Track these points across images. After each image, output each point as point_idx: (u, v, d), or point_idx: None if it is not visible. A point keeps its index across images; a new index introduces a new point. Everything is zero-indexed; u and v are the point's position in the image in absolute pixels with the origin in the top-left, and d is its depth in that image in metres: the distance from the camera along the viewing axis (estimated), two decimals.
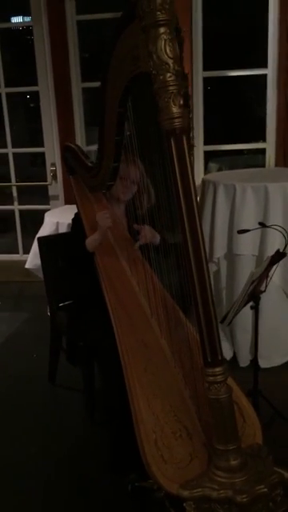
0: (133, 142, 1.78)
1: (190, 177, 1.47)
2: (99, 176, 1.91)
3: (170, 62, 1.40)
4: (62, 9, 3.81)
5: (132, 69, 1.56)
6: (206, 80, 3.81)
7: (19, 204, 4.57)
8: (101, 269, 2.02)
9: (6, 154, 4.44)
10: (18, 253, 4.69)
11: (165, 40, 1.40)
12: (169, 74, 1.41)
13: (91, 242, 2.07)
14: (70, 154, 2.17)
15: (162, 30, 1.39)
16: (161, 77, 1.41)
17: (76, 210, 2.26)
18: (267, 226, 2.05)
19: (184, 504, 1.53)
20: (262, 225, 2.06)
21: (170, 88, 1.41)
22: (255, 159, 4.59)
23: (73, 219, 2.24)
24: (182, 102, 1.46)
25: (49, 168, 4.30)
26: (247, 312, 2.26)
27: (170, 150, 1.46)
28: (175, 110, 1.43)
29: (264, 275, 1.92)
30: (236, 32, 4.29)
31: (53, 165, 4.26)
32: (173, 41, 1.42)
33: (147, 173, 2.11)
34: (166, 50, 1.40)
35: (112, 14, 4.01)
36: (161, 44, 1.40)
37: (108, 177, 1.87)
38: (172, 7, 1.42)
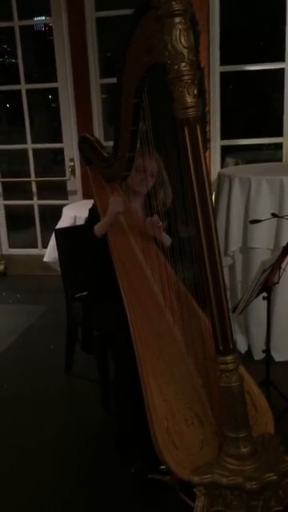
0: (148, 133, 1.80)
1: (204, 166, 1.49)
2: (115, 166, 1.94)
3: (185, 51, 1.42)
4: (81, 5, 3.85)
5: (147, 59, 1.58)
6: (222, 74, 3.81)
7: (38, 199, 4.63)
8: (115, 259, 2.04)
9: (26, 150, 4.51)
10: (37, 247, 4.75)
11: (180, 30, 1.41)
12: (183, 64, 1.42)
13: (100, 225, 2.11)
14: (86, 145, 2.20)
15: (177, 19, 1.41)
16: (175, 66, 1.43)
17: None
18: (280, 217, 2.04)
19: (194, 489, 1.55)
20: (275, 215, 2.06)
21: (185, 78, 1.43)
22: (273, 154, 4.56)
23: (89, 209, 2.27)
24: (195, 92, 1.47)
25: (67, 163, 4.35)
26: (261, 305, 2.26)
27: (184, 139, 1.47)
28: (189, 99, 1.44)
29: (277, 266, 1.92)
30: (253, 26, 4.27)
31: (71, 160, 4.32)
32: (187, 31, 1.43)
33: (166, 168, 2.12)
34: (180, 40, 1.42)
35: (130, 10, 4.04)
36: (176, 34, 1.41)
37: (124, 167, 1.89)
38: None
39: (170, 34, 1.42)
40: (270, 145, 4.56)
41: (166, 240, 2.15)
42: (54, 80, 4.20)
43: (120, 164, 1.89)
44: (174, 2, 1.40)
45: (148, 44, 1.55)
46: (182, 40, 1.42)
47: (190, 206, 1.53)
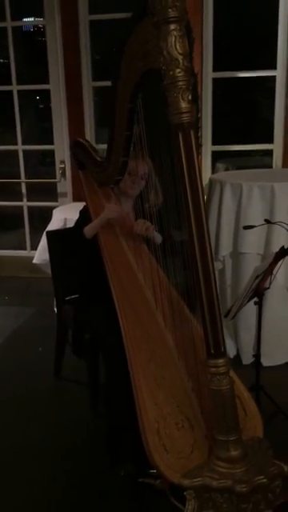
0: (142, 137, 1.81)
1: (197, 171, 1.51)
2: (108, 170, 1.95)
3: (180, 57, 1.44)
4: (75, 8, 3.86)
5: (143, 65, 1.60)
6: (215, 81, 3.84)
7: (27, 201, 4.62)
8: (107, 262, 2.05)
9: (14, 151, 4.49)
10: (25, 249, 4.73)
11: (175, 36, 1.43)
12: (178, 70, 1.44)
13: (90, 227, 2.14)
14: (79, 149, 2.21)
15: (172, 26, 1.43)
16: (170, 72, 1.44)
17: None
18: (272, 223, 2.07)
19: (185, 493, 1.56)
20: (268, 221, 2.08)
21: (179, 83, 1.45)
22: (261, 161, 4.61)
23: (80, 211, 2.28)
24: (190, 98, 1.49)
25: (58, 165, 4.35)
26: (250, 310, 2.28)
27: (178, 144, 1.49)
28: (184, 104, 1.46)
29: (268, 271, 1.94)
30: (246, 33, 4.32)
31: (62, 162, 4.31)
32: (183, 37, 1.45)
33: (156, 170, 2.14)
34: (176, 46, 1.44)
35: (124, 14, 4.07)
36: (171, 40, 1.43)
37: (117, 171, 1.91)
38: (183, 4, 1.45)
39: (165, 40, 1.44)
40: (257, 151, 4.61)
41: (158, 238, 2.17)
42: (43, 81, 4.20)
43: (114, 168, 1.90)
44: (170, 9, 1.42)
45: (143, 50, 1.57)
46: (178, 46, 1.44)
47: (183, 210, 1.54)
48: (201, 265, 1.54)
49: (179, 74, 1.44)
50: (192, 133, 1.48)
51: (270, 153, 4.03)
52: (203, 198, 1.53)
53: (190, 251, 1.55)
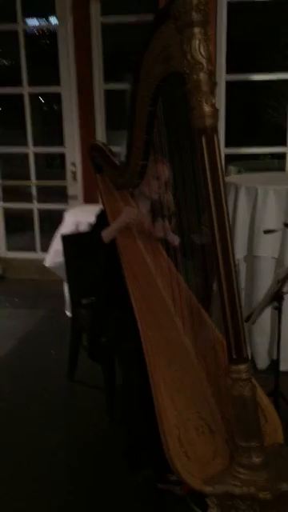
0: (162, 141, 1.81)
1: (220, 174, 1.50)
2: (127, 174, 1.94)
3: (204, 61, 1.43)
4: (87, 10, 3.86)
5: (164, 68, 1.59)
6: (228, 84, 3.83)
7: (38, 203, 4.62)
8: (125, 265, 2.04)
9: (27, 154, 4.50)
10: (35, 251, 4.73)
11: (199, 40, 1.43)
12: (202, 74, 1.43)
13: (108, 231, 2.13)
14: (97, 153, 2.20)
15: (196, 29, 1.42)
16: (194, 76, 1.44)
17: (98, 208, 2.29)
18: None
19: (206, 499, 1.54)
20: (287, 225, 2.07)
21: (203, 87, 1.44)
22: (270, 163, 4.60)
23: (97, 215, 2.27)
24: (213, 102, 1.48)
25: (69, 168, 4.34)
26: (265, 314, 2.27)
27: (201, 148, 1.48)
28: (207, 108, 1.45)
29: (287, 276, 1.93)
30: (260, 36, 4.32)
31: (73, 165, 4.30)
32: (207, 41, 1.45)
33: (174, 173, 2.14)
34: (200, 50, 1.43)
35: (136, 16, 4.07)
36: (195, 44, 1.42)
37: (136, 175, 1.90)
38: (207, 8, 1.45)
39: (189, 43, 1.43)
40: (266, 154, 4.60)
41: (175, 240, 2.17)
42: (49, 83, 4.18)
43: (133, 171, 1.89)
44: (193, 12, 1.41)
45: (165, 53, 1.56)
46: (202, 50, 1.43)
47: (207, 212, 1.53)
48: (223, 269, 1.52)
49: (203, 78, 1.43)
50: (215, 136, 1.47)
51: (278, 155, 4.02)
52: (226, 201, 1.52)
53: (212, 255, 1.54)
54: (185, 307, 1.96)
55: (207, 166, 1.48)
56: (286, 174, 3.74)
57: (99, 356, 2.24)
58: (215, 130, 1.48)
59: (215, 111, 1.48)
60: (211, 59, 1.46)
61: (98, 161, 2.23)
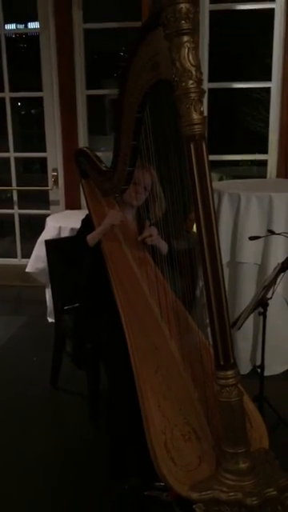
0: (148, 148, 1.81)
1: (208, 182, 1.51)
2: (114, 180, 1.94)
3: (193, 69, 1.45)
4: (69, 16, 3.86)
5: (152, 75, 1.60)
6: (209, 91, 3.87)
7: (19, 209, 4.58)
8: (112, 271, 2.04)
9: (8, 159, 4.46)
10: (15, 257, 4.67)
11: (188, 48, 1.44)
12: (191, 81, 1.45)
13: (93, 235, 2.13)
14: (83, 158, 2.20)
15: (185, 38, 1.44)
16: (183, 83, 1.45)
17: (83, 214, 2.29)
18: (277, 234, 2.08)
19: (194, 506, 1.54)
20: (272, 232, 2.10)
21: (192, 95, 1.46)
22: (249, 170, 4.67)
23: (83, 220, 2.26)
24: (202, 109, 1.50)
25: (50, 173, 4.32)
26: (249, 320, 2.29)
27: (190, 156, 1.49)
28: (195, 116, 1.47)
29: (272, 282, 1.95)
30: (241, 45, 4.39)
31: (54, 170, 4.28)
32: (195, 49, 1.46)
33: (160, 179, 2.15)
34: (189, 58, 1.44)
35: (117, 23, 4.09)
36: (184, 52, 1.44)
37: (122, 181, 1.90)
38: (196, 17, 1.46)
39: (178, 52, 1.45)
40: (246, 161, 4.67)
41: (164, 247, 2.17)
42: (28, 88, 4.15)
43: (119, 177, 1.90)
44: (183, 21, 1.43)
45: (154, 60, 1.57)
46: (191, 58, 1.45)
47: (195, 219, 1.54)
48: (211, 276, 1.54)
49: (192, 86, 1.45)
50: (203, 144, 1.49)
51: (258, 162, 4.08)
52: (214, 208, 1.53)
53: (196, 261, 1.55)
54: (171, 313, 1.96)
55: (195, 173, 1.50)
56: (268, 181, 3.79)
57: (84, 362, 2.22)
58: (203, 137, 1.50)
59: (203, 119, 1.49)
60: (200, 67, 1.48)
61: (83, 166, 2.22)
